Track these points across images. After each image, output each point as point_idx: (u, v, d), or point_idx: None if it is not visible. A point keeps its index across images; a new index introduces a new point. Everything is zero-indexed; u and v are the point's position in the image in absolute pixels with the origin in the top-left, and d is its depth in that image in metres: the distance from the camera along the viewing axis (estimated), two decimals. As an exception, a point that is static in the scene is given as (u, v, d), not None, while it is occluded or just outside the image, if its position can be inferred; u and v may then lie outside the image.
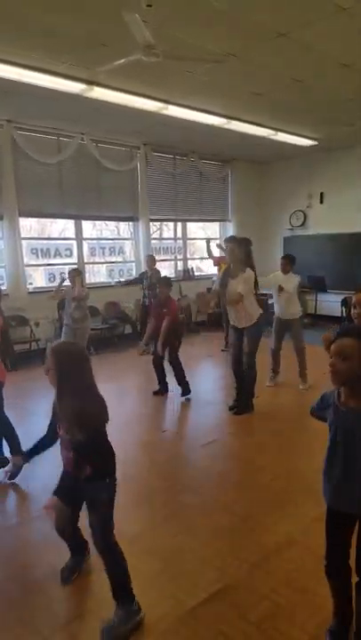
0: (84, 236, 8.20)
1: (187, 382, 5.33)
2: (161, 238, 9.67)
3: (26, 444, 3.43)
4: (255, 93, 5.84)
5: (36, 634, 2.12)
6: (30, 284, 7.55)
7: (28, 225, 7.68)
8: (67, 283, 6.22)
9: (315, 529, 2.62)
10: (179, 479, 3.56)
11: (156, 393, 5.49)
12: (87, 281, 7.69)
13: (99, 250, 8.55)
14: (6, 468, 3.28)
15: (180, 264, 9.78)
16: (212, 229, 10.46)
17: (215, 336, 8.21)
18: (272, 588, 2.33)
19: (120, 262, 8.80)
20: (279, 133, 7.67)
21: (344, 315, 8.18)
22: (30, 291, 7.40)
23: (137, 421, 4.81)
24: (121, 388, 5.80)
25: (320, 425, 1.95)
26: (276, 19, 3.94)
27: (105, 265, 8.66)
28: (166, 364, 5.38)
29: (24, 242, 7.31)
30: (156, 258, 8.14)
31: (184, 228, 9.82)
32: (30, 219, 7.61)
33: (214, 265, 7.96)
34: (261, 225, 10.55)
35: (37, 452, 2.36)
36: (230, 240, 4.98)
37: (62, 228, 8.16)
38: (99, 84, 5.26)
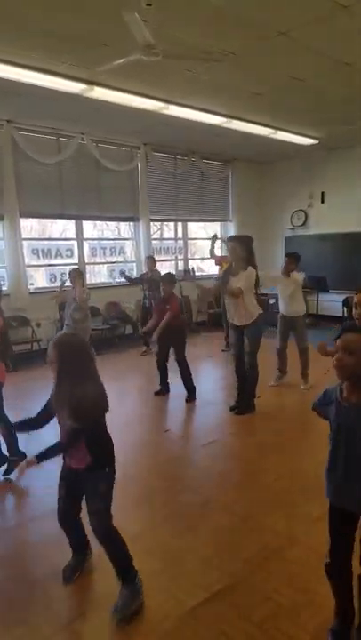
0: (85, 236, 8.21)
1: (194, 387, 5.31)
2: (162, 238, 9.67)
3: (26, 444, 3.45)
4: (255, 93, 5.83)
5: (38, 633, 2.11)
6: (31, 284, 7.56)
7: (29, 225, 7.69)
8: (68, 283, 6.23)
9: (317, 529, 2.61)
10: (179, 479, 3.55)
11: (157, 393, 5.49)
12: (88, 281, 7.68)
13: (99, 250, 8.56)
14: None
15: (180, 264, 9.78)
16: (213, 229, 10.42)
17: (215, 336, 8.20)
18: (274, 587, 2.32)
19: (121, 262, 8.79)
20: (280, 132, 7.66)
21: (346, 315, 8.18)
22: (31, 291, 7.40)
23: (138, 421, 4.81)
24: (122, 389, 5.79)
25: (322, 425, 1.94)
26: (276, 17, 3.94)
27: (106, 265, 8.67)
28: (170, 364, 5.38)
29: (25, 242, 7.32)
30: (157, 258, 8.14)
31: (185, 229, 9.81)
32: (31, 219, 7.62)
33: (216, 264, 7.93)
34: (262, 225, 10.53)
35: (24, 429, 2.39)
36: (232, 239, 4.99)
37: (63, 228, 8.16)
38: (99, 84, 5.26)
